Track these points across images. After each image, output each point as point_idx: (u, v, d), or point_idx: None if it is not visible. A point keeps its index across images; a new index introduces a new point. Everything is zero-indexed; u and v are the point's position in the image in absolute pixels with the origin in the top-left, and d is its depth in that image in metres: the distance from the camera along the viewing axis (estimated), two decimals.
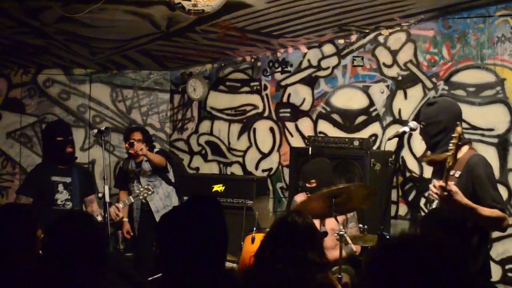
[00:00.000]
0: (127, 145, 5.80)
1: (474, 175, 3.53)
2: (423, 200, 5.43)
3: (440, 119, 3.61)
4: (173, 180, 6.07)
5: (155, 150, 5.95)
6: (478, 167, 3.55)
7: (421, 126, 3.71)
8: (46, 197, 4.93)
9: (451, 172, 3.41)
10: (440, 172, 3.62)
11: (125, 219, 5.93)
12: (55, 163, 5.01)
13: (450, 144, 3.35)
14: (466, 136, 5.13)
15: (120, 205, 5.07)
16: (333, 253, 4.69)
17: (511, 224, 5.08)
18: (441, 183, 3.35)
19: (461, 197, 3.36)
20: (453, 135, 3.38)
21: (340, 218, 4.75)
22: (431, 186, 3.46)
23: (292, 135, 6.28)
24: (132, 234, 5.92)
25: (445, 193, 3.34)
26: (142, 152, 5.61)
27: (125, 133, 6.10)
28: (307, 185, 4.73)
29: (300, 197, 5.01)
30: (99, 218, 4.87)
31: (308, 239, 3.01)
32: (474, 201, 3.39)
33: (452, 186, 3.36)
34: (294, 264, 2.87)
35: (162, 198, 5.93)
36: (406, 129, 3.77)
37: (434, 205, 3.72)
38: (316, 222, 4.73)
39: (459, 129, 3.41)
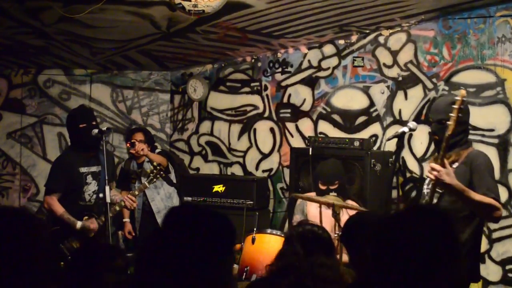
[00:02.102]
0: (128, 145, 5.81)
1: (473, 164, 3.58)
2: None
3: (466, 119, 3.64)
4: (174, 181, 6.07)
5: (157, 151, 5.96)
6: (478, 158, 3.62)
7: (443, 125, 3.67)
8: (74, 190, 4.84)
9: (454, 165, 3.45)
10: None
11: (127, 219, 5.94)
12: (81, 151, 4.88)
13: (452, 113, 3.36)
14: None
15: (136, 193, 5.04)
16: None
17: (511, 224, 5.11)
18: (433, 165, 3.41)
19: (451, 179, 3.40)
20: (457, 97, 3.38)
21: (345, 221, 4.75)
22: (428, 167, 3.49)
23: (292, 136, 6.28)
24: (133, 234, 5.93)
25: (435, 172, 3.39)
26: (143, 152, 5.62)
27: (127, 134, 6.11)
28: (331, 187, 4.76)
29: None
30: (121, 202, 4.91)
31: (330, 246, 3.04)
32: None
33: (447, 164, 3.41)
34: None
35: (164, 199, 5.94)
36: (406, 129, 3.77)
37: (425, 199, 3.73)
38: (314, 205, 4.79)
39: (463, 92, 3.41)
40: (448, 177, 3.38)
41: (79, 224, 4.74)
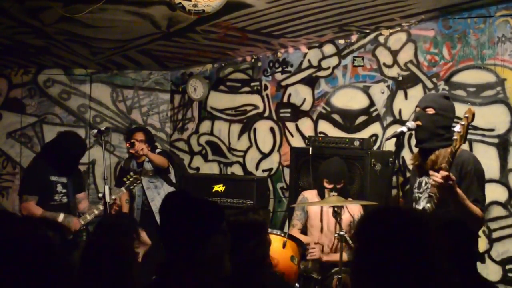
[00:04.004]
0: (128, 144, 5.81)
1: (463, 171, 3.55)
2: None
3: (451, 116, 3.62)
4: (174, 181, 6.07)
5: (157, 150, 5.96)
6: (468, 163, 3.58)
7: (427, 112, 3.65)
8: (45, 195, 5.02)
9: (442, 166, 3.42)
10: (424, 170, 3.65)
11: None
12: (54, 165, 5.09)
13: (458, 126, 3.33)
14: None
15: (116, 198, 5.13)
16: (331, 257, 4.70)
17: (511, 224, 5.11)
18: (446, 172, 3.37)
19: (458, 188, 3.41)
20: (466, 115, 3.35)
21: (346, 220, 4.75)
22: (435, 174, 3.42)
23: (292, 135, 6.28)
24: None
25: (450, 182, 3.35)
26: (142, 152, 5.62)
27: (127, 133, 6.11)
28: (337, 186, 4.75)
29: (309, 194, 4.99)
30: (88, 217, 5.04)
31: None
32: None
33: (452, 176, 3.38)
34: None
35: None
36: (404, 129, 3.76)
37: (421, 205, 3.71)
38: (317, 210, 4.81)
39: (472, 109, 3.38)
40: (456, 186, 3.39)
41: (61, 216, 4.88)
